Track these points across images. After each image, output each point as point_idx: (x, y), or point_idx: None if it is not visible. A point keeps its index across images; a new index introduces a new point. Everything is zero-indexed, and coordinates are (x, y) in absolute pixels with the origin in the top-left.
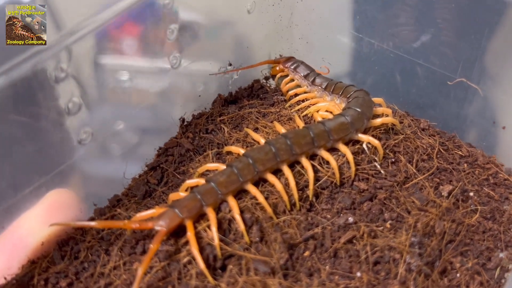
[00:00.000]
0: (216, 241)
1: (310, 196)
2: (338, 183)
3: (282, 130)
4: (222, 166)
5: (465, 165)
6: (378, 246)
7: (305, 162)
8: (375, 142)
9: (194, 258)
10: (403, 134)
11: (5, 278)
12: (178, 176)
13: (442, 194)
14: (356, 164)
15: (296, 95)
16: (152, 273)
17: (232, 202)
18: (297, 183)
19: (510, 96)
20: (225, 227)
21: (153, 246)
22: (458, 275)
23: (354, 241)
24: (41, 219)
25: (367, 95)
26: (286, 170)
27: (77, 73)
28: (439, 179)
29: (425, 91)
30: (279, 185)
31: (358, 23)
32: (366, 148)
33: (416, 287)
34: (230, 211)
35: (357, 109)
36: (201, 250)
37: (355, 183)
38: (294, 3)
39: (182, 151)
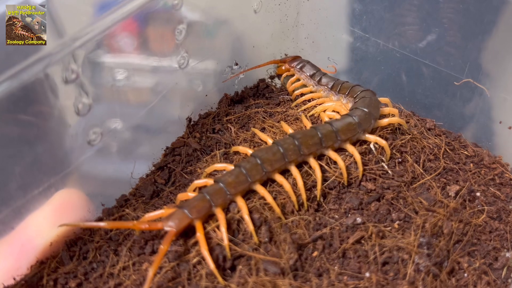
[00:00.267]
0: (225, 242)
1: (318, 196)
2: (345, 183)
3: (289, 130)
4: (230, 167)
5: (471, 165)
6: (387, 246)
7: (312, 162)
8: (383, 142)
9: (204, 259)
10: (409, 134)
11: (14, 279)
12: (186, 176)
13: (449, 194)
14: (364, 164)
15: (302, 94)
16: (162, 273)
17: (240, 202)
18: (304, 183)
19: None
20: (234, 227)
21: (163, 247)
22: (465, 275)
23: (363, 241)
24: (50, 220)
25: (374, 95)
26: (294, 170)
27: (87, 74)
28: (446, 179)
29: (431, 91)
30: (287, 185)
31: (364, 23)
32: (373, 148)
33: (425, 287)
34: (238, 211)
35: (365, 109)
36: (211, 250)
37: (362, 183)
38: (300, 3)
39: (189, 151)
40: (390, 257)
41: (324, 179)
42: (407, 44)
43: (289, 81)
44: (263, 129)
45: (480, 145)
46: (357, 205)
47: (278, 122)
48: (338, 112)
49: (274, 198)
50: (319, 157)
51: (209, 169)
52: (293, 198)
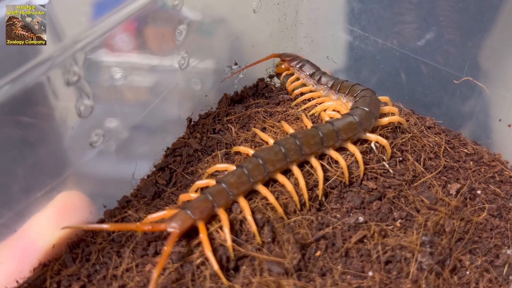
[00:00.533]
0: (229, 242)
1: (320, 195)
2: (347, 183)
3: (290, 130)
4: (232, 167)
5: (471, 163)
6: (389, 245)
7: (314, 162)
8: (383, 141)
9: (207, 260)
10: (410, 132)
11: (17, 282)
12: (187, 176)
13: (450, 192)
14: (365, 163)
15: (302, 94)
16: (166, 275)
17: (243, 203)
18: (306, 183)
19: None
20: (236, 228)
21: (167, 248)
22: (467, 272)
23: (365, 240)
24: (52, 222)
25: (374, 94)
26: (295, 170)
27: (88, 75)
28: (447, 177)
29: (430, 90)
30: (289, 185)
31: (363, 21)
32: (374, 147)
33: (428, 285)
34: (241, 212)
35: (365, 108)
36: (214, 251)
37: (363, 182)
38: (299, 2)
39: (190, 151)
40: (393, 256)
41: (326, 179)
42: (406, 43)
43: (289, 80)
44: (263, 129)
45: (479, 143)
46: (359, 204)
47: (279, 121)
48: (338, 111)
49: (276, 198)
50: (320, 157)
51: (210, 170)
52: (295, 198)
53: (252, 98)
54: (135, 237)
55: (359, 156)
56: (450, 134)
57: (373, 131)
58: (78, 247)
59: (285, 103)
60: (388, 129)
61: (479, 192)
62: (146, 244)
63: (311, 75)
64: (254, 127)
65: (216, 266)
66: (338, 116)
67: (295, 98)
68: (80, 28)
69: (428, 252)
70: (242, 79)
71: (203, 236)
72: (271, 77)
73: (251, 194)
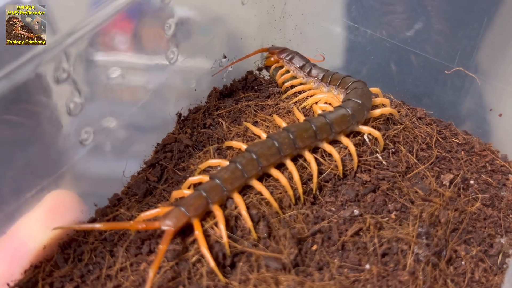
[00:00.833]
0: (225, 239)
1: (314, 189)
2: (341, 175)
3: (282, 123)
4: (225, 162)
5: (463, 153)
6: (385, 237)
7: (308, 155)
8: (376, 133)
9: (203, 257)
10: (402, 124)
11: (8, 285)
12: (179, 172)
13: (444, 183)
14: (358, 156)
15: (292, 86)
16: (161, 273)
17: (238, 198)
18: (300, 177)
19: (506, 84)
20: (232, 224)
21: (162, 247)
22: (463, 263)
23: (361, 233)
24: (42, 222)
25: (365, 85)
26: (289, 164)
27: (77, 73)
28: (439, 168)
29: (421, 80)
30: (283, 180)
31: (353, 12)
32: (367, 140)
33: (425, 277)
34: (236, 207)
35: (357, 100)
36: (210, 248)
37: (357, 175)
38: None
39: (181, 147)
40: (390, 248)
41: (320, 172)
42: (396, 34)
43: (279, 73)
44: (255, 123)
45: (470, 133)
46: (353, 197)
47: (270, 115)
48: (330, 104)
49: (271, 193)
50: (314, 150)
51: (203, 165)
52: (290, 192)
53: (242, 92)
54: (128, 236)
55: (352, 149)
56: (441, 125)
57: (365, 123)
58: (69, 247)
59: (276, 96)
60: (380, 120)
61: (472, 182)
62: (140, 243)
63: (301, 68)
64: (246, 121)
65: (212, 263)
66: (331, 108)
67: (285, 91)
68: (70, 23)
69: (424, 244)
70: (230, 72)
71: (198, 233)
72: (259, 69)
73: (245, 190)
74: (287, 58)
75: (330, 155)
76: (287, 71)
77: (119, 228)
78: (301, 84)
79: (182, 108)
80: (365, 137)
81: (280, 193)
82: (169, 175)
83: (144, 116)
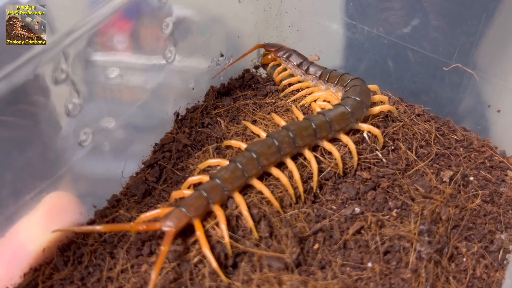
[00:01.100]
0: (226, 239)
1: (314, 187)
2: (341, 173)
3: (281, 122)
4: (224, 162)
5: (461, 149)
6: (387, 235)
7: (308, 154)
8: (376, 130)
9: (205, 257)
10: (401, 121)
11: None
12: (178, 172)
13: (444, 180)
14: (358, 153)
15: (290, 84)
16: (163, 275)
17: (238, 198)
18: (300, 175)
19: (505, 80)
20: (233, 224)
21: (164, 248)
22: (464, 259)
23: (363, 231)
24: (41, 225)
25: (364, 83)
26: (289, 163)
27: (76, 73)
28: (439, 164)
29: (418, 77)
30: (284, 179)
31: (351, 9)
32: (366, 137)
33: (427, 274)
34: (236, 207)
35: (356, 98)
36: (211, 248)
37: (357, 172)
38: None
39: (179, 146)
40: (392, 246)
41: (320, 170)
42: (394, 30)
43: (276, 71)
44: (254, 122)
45: (468, 129)
46: (354, 195)
47: (269, 113)
48: (329, 102)
49: (271, 192)
50: (313, 148)
51: (202, 165)
52: (291, 191)
53: (239, 90)
54: (128, 237)
55: (352, 147)
56: (439, 121)
57: (364, 120)
58: (69, 250)
59: (273, 94)
60: (379, 118)
61: (471, 178)
62: (140, 244)
63: (299, 65)
64: (244, 119)
65: (214, 264)
66: (330, 106)
67: (283, 89)
68: (68, 23)
69: (426, 241)
70: (227, 70)
71: (199, 233)
72: (256, 67)
73: (245, 189)
74: (284, 56)
75: (330, 153)
76: (285, 69)
77: (120, 229)
78: (298, 82)
79: (180, 107)
80: (365, 134)
81: (281, 192)
82: (168, 175)
83: (142, 116)
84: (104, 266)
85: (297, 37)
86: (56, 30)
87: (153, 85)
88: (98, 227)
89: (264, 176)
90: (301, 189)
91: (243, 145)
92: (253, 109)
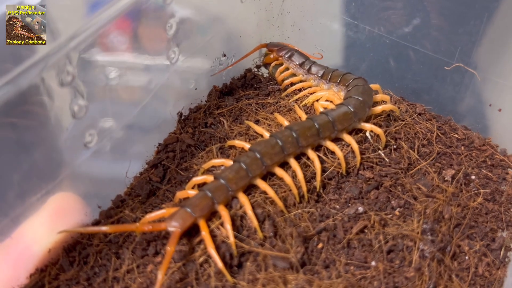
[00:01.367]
0: (231, 239)
1: (318, 187)
2: (344, 173)
3: (285, 122)
4: (228, 162)
5: (463, 148)
6: (390, 234)
7: (311, 153)
8: (378, 130)
9: (210, 257)
10: (403, 120)
11: None
12: (181, 173)
13: (446, 178)
14: (361, 153)
15: (292, 84)
16: (169, 274)
17: (243, 198)
18: (304, 175)
19: (506, 79)
20: (237, 224)
21: (169, 249)
22: (467, 258)
23: (366, 230)
24: (46, 225)
25: (366, 82)
26: (293, 162)
27: (81, 75)
28: (441, 163)
29: (420, 76)
30: (288, 179)
31: (353, 9)
32: (369, 137)
33: (430, 273)
34: (241, 207)
35: (359, 97)
36: (216, 248)
37: (360, 172)
38: None
39: (183, 146)
40: (395, 245)
41: (323, 170)
42: (395, 30)
43: (278, 70)
44: (256, 121)
45: (469, 128)
46: (357, 194)
47: (272, 113)
48: (331, 101)
49: (275, 192)
50: (316, 148)
51: (206, 165)
52: (294, 190)
53: (242, 90)
54: (133, 237)
55: (355, 146)
56: (440, 120)
57: (366, 120)
58: (74, 250)
59: (275, 93)
60: (381, 117)
61: (473, 177)
62: (145, 244)
63: (301, 65)
64: (247, 119)
65: (220, 264)
66: (332, 106)
67: (285, 89)
68: (72, 27)
69: (429, 240)
70: (229, 70)
71: (205, 233)
72: (258, 67)
73: (249, 189)
74: (286, 56)
75: (333, 152)
76: (287, 69)
77: (125, 230)
78: (301, 81)
79: (183, 107)
80: (367, 134)
81: (285, 191)
82: (172, 175)
83: (145, 117)
84: (110, 266)
85: (298, 37)
86: (61, 32)
87: (157, 85)
88: (104, 228)
89: (268, 176)
90: (304, 188)
91: (247, 145)
92: (256, 109)
